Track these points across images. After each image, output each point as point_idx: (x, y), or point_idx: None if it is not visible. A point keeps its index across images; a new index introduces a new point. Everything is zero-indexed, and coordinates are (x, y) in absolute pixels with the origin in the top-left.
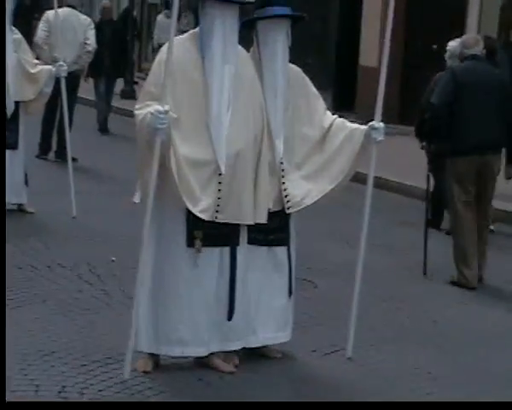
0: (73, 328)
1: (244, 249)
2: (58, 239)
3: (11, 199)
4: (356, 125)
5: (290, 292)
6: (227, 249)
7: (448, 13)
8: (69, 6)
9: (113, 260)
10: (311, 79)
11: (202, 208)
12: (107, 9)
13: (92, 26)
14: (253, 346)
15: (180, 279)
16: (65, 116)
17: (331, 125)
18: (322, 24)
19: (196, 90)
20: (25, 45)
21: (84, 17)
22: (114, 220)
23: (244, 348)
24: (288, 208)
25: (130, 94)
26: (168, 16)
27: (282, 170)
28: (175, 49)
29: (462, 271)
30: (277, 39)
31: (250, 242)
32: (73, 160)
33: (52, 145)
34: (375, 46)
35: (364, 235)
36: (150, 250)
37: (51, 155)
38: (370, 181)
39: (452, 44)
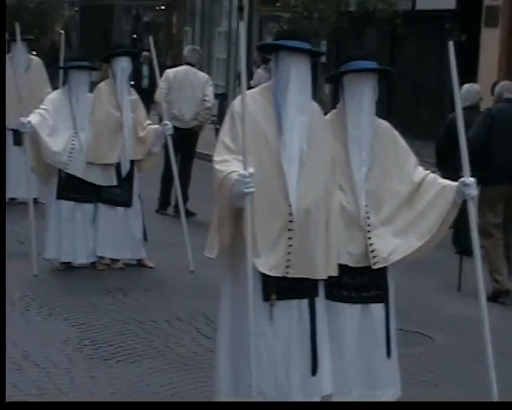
0: (191, 382)
1: (323, 301)
2: (176, 293)
3: (126, 254)
4: (447, 182)
5: (388, 351)
6: (305, 302)
7: None
8: (188, 64)
9: None
10: (426, 131)
11: (272, 265)
12: None
13: (210, 82)
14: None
15: (258, 334)
16: (174, 172)
17: (422, 180)
18: (436, 75)
19: (268, 142)
20: (140, 106)
21: (203, 74)
22: None
23: None
24: (375, 264)
25: None
26: (268, 70)
27: (368, 225)
28: (252, 96)
29: (496, 277)
30: (363, 93)
31: (342, 300)
32: (192, 214)
33: (171, 200)
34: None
35: (481, 288)
36: (227, 304)
37: (170, 209)
38: (475, 236)
39: (466, 86)
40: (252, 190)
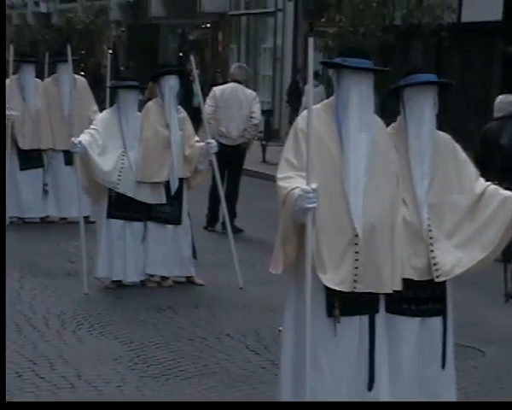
0: (241, 399)
1: (383, 317)
2: (226, 310)
3: (176, 272)
4: (509, 193)
5: (443, 363)
6: (366, 318)
7: None
8: (235, 81)
9: (279, 331)
10: (473, 143)
11: (340, 281)
12: None
13: (257, 99)
14: None
15: (320, 350)
16: (220, 190)
17: (483, 192)
18: (483, 88)
19: (333, 159)
20: (188, 123)
21: (250, 92)
22: (279, 290)
23: None
24: (438, 277)
25: None
26: (316, 85)
27: (431, 237)
28: (315, 114)
29: None
30: (424, 106)
31: (402, 312)
32: (239, 230)
33: (219, 217)
34: None
35: None
36: (290, 319)
37: (218, 226)
38: None
39: (500, 97)
40: (314, 205)
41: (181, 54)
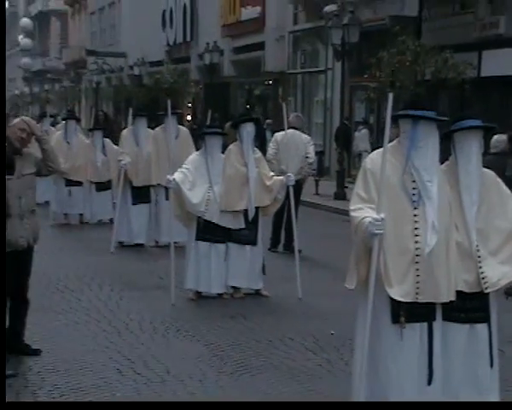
0: (302, 391)
1: (440, 324)
2: (288, 317)
3: (250, 284)
4: None
5: (491, 362)
6: (425, 325)
7: None
8: (292, 127)
9: (332, 334)
10: None
11: (404, 293)
12: None
13: (312, 142)
14: None
15: (387, 353)
16: (293, 216)
17: None
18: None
19: (395, 189)
20: (264, 162)
21: (305, 136)
22: (335, 301)
23: None
24: (486, 288)
25: (342, 196)
26: (362, 129)
27: (479, 256)
28: (379, 157)
29: None
30: (472, 146)
31: (454, 320)
32: (299, 251)
33: (281, 239)
34: None
35: None
36: (361, 327)
37: (280, 247)
38: None
39: (496, 137)
40: (381, 231)
41: (248, 106)
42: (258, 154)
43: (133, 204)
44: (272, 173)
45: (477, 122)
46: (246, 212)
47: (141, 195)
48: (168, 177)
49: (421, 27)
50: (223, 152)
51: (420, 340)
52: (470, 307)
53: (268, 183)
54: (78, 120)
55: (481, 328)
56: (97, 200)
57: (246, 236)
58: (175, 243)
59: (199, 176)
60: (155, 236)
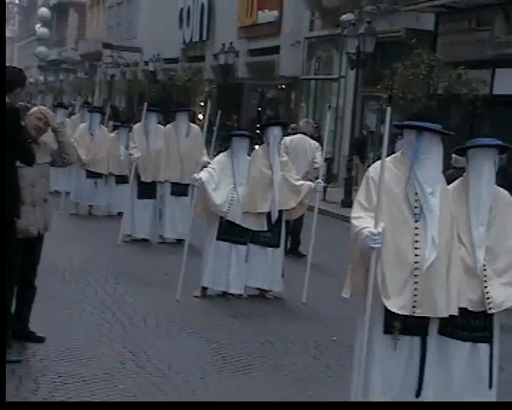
0: (302, 397)
1: (434, 339)
2: (291, 320)
3: (271, 286)
4: None
5: (490, 384)
6: (416, 339)
7: None
8: (302, 133)
9: (334, 340)
10: None
11: (401, 306)
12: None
13: (320, 148)
14: None
15: (375, 361)
16: (314, 223)
17: None
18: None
19: (399, 205)
20: (290, 165)
21: (314, 142)
22: (338, 307)
23: None
24: (490, 309)
25: (349, 203)
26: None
27: (485, 275)
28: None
29: None
30: (484, 164)
31: (456, 337)
32: (303, 256)
33: (287, 246)
34: None
35: None
36: (359, 335)
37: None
38: None
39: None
40: (378, 246)
41: (259, 109)
42: (285, 157)
43: (138, 198)
44: (297, 177)
45: (491, 141)
46: (269, 214)
47: (147, 190)
48: (195, 175)
49: (437, 41)
50: (249, 155)
51: (409, 354)
52: (474, 325)
53: (297, 183)
54: (103, 113)
55: (483, 348)
56: (116, 192)
57: (268, 238)
58: (181, 240)
59: (224, 177)
60: (159, 231)
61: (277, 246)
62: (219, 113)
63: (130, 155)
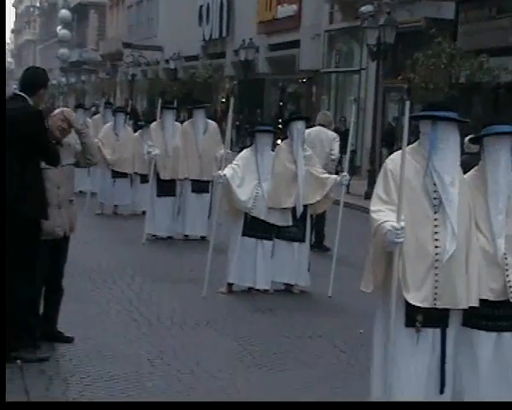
0: (330, 389)
1: (454, 331)
2: (317, 314)
3: (298, 281)
4: None
5: None
6: (438, 331)
7: None
8: (320, 125)
9: (360, 333)
10: None
11: (422, 298)
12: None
13: (337, 139)
14: None
15: (399, 357)
16: (339, 217)
17: None
18: None
19: (418, 196)
20: (314, 160)
21: (331, 133)
22: (364, 300)
23: None
24: None
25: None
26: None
27: (506, 264)
28: (399, 158)
29: None
30: (500, 152)
31: (480, 328)
32: (328, 249)
33: (311, 240)
34: None
35: None
36: (379, 327)
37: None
38: None
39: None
40: (401, 240)
41: (281, 103)
42: (309, 152)
43: (158, 196)
44: (324, 171)
45: (507, 127)
46: (294, 209)
47: (166, 188)
48: (219, 172)
49: (458, 30)
50: (273, 150)
51: (432, 346)
52: (498, 315)
53: (322, 175)
54: (127, 113)
55: (509, 337)
56: (141, 191)
57: (294, 233)
58: (203, 237)
59: (248, 172)
60: (181, 229)
61: (303, 240)
62: (244, 110)
63: (149, 152)
